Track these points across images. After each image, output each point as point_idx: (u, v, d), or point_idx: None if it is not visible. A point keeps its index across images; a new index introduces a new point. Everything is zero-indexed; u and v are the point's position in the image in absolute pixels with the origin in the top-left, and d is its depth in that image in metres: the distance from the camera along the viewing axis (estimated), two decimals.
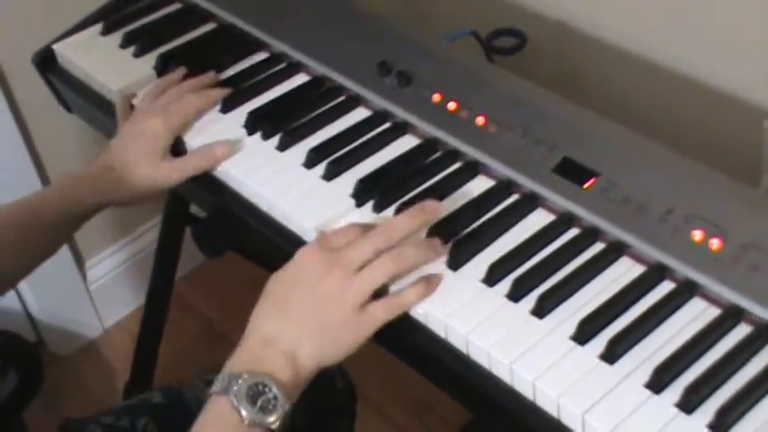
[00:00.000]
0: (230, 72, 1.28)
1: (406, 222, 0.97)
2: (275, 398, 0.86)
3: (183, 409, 1.12)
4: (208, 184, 1.16)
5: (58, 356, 1.99)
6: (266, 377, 0.87)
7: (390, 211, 1.05)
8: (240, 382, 0.86)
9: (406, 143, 1.14)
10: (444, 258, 0.99)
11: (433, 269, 0.97)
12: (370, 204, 1.07)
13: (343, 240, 0.95)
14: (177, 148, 1.18)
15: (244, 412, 0.85)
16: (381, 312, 0.92)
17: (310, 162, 1.12)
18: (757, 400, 0.83)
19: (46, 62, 1.37)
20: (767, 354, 0.87)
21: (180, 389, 1.15)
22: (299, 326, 0.91)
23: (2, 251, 1.15)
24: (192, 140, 1.18)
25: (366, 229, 0.97)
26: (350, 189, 1.08)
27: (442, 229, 1.01)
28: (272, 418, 0.86)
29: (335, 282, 0.92)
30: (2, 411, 1.13)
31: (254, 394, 0.86)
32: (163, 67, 1.30)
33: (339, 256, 0.93)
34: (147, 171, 1.15)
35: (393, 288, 0.95)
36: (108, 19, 1.38)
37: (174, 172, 1.15)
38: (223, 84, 1.26)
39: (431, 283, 0.95)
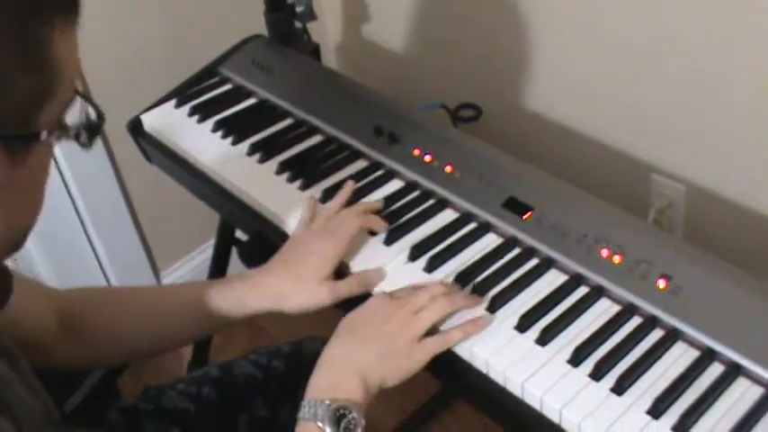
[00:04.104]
0: (266, 133, 1.27)
1: (451, 286, 0.95)
2: (354, 418, 0.79)
3: (232, 381, 1.11)
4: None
5: None
6: (346, 402, 0.80)
7: (381, 235, 1.04)
8: (324, 407, 0.79)
9: (394, 185, 1.14)
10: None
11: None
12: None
13: (406, 292, 0.92)
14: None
15: None
16: (434, 345, 0.87)
17: (324, 199, 1.12)
18: (646, 369, 0.84)
19: (136, 128, 1.37)
20: (653, 336, 0.88)
21: (230, 365, 1.15)
22: (369, 352, 0.85)
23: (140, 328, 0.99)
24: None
25: (419, 287, 0.93)
26: None
27: (424, 246, 1.01)
28: None
29: (400, 319, 0.87)
30: (106, 376, 1.13)
31: (338, 417, 0.79)
32: (217, 129, 1.29)
33: (403, 301, 0.89)
34: (306, 292, 0.96)
35: (442, 328, 0.91)
36: (180, 96, 1.38)
37: (329, 296, 0.96)
38: (261, 142, 1.25)
39: (475, 324, 0.90)
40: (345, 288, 0.96)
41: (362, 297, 0.95)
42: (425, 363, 0.87)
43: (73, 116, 0.60)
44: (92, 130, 0.63)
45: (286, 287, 0.96)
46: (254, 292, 0.97)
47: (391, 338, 0.86)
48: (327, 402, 0.80)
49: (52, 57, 0.55)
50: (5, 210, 0.60)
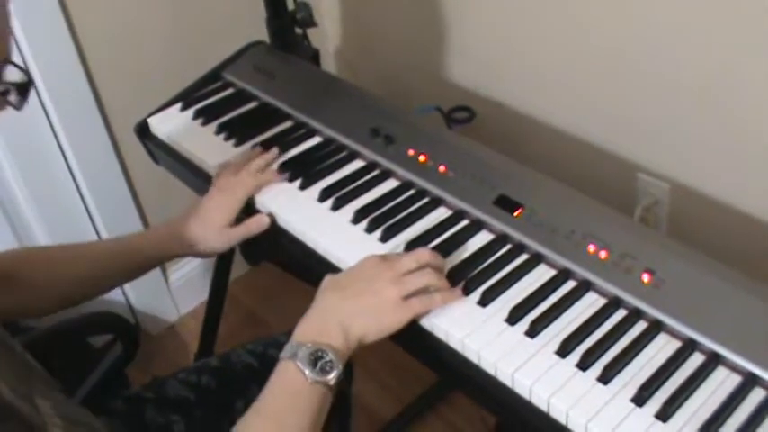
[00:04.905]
0: (267, 135, 1.27)
1: (437, 255, 0.96)
2: (331, 361, 0.82)
3: (230, 369, 1.12)
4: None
5: (149, 333, 1.99)
6: (325, 345, 0.83)
7: (379, 230, 1.04)
8: (304, 349, 0.82)
9: (390, 184, 1.14)
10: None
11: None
12: (364, 223, 1.06)
13: (396, 257, 0.93)
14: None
15: (307, 372, 0.81)
16: (417, 306, 0.89)
17: (322, 197, 1.12)
18: (631, 359, 0.84)
19: (143, 130, 1.37)
20: (638, 328, 0.88)
21: (229, 355, 1.16)
22: (355, 305, 0.87)
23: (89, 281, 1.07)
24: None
25: (408, 253, 0.95)
26: (350, 216, 1.08)
27: (418, 243, 1.01)
28: (329, 377, 0.82)
29: (387, 279, 0.89)
30: (113, 368, 1.14)
31: (315, 359, 0.82)
32: (220, 131, 1.30)
33: (392, 263, 0.91)
34: (212, 237, 1.09)
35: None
36: (185, 100, 1.38)
37: (230, 240, 1.10)
38: (263, 144, 1.24)
39: (453, 293, 0.92)
40: (242, 230, 1.09)
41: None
42: (407, 322, 0.88)
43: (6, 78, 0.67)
44: (21, 90, 0.68)
45: (197, 234, 1.09)
46: (173, 241, 1.09)
47: (377, 295, 0.88)
48: (308, 345, 0.82)
49: None
50: None
